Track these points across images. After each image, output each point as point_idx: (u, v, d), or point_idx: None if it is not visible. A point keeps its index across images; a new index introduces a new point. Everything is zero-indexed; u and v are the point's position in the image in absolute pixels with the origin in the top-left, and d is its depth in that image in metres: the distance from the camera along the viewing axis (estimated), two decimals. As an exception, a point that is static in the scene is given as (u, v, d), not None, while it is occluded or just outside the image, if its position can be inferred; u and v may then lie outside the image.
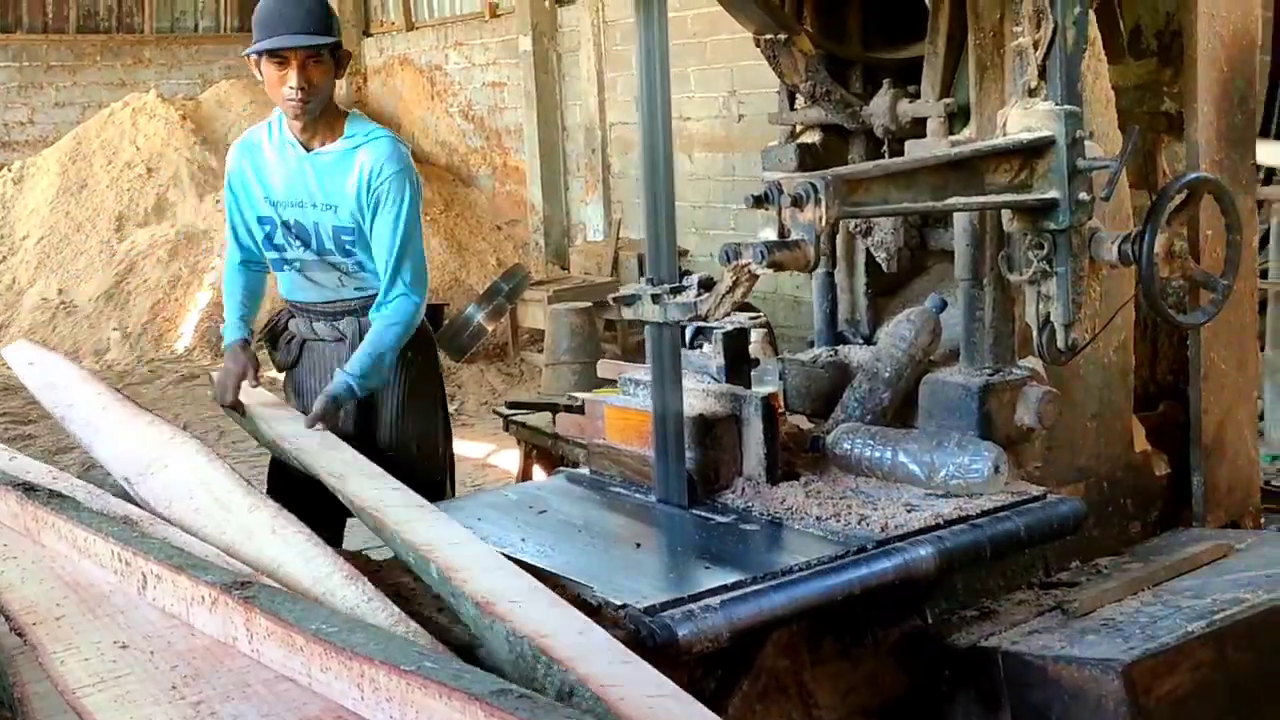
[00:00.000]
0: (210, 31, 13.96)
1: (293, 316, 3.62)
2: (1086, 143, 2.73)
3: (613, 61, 10.02)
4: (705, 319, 2.69)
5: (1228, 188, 3.01)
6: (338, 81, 3.39)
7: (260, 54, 3.25)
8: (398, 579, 2.42)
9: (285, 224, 3.44)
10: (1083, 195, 2.71)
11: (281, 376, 3.74)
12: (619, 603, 2.29)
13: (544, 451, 4.25)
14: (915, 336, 3.09)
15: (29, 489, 2.47)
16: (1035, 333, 2.84)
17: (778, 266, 2.45)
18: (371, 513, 2.55)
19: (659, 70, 2.75)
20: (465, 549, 2.30)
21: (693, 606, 2.27)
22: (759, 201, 2.51)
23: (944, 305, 3.13)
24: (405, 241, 3.32)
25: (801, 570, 2.43)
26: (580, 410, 3.37)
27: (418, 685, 1.51)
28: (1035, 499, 2.77)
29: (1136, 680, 2.41)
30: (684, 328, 4.14)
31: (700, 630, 2.24)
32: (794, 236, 2.46)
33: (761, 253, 2.42)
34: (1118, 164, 2.67)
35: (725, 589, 2.34)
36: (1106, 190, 2.67)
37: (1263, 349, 5.28)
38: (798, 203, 2.45)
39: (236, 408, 3.50)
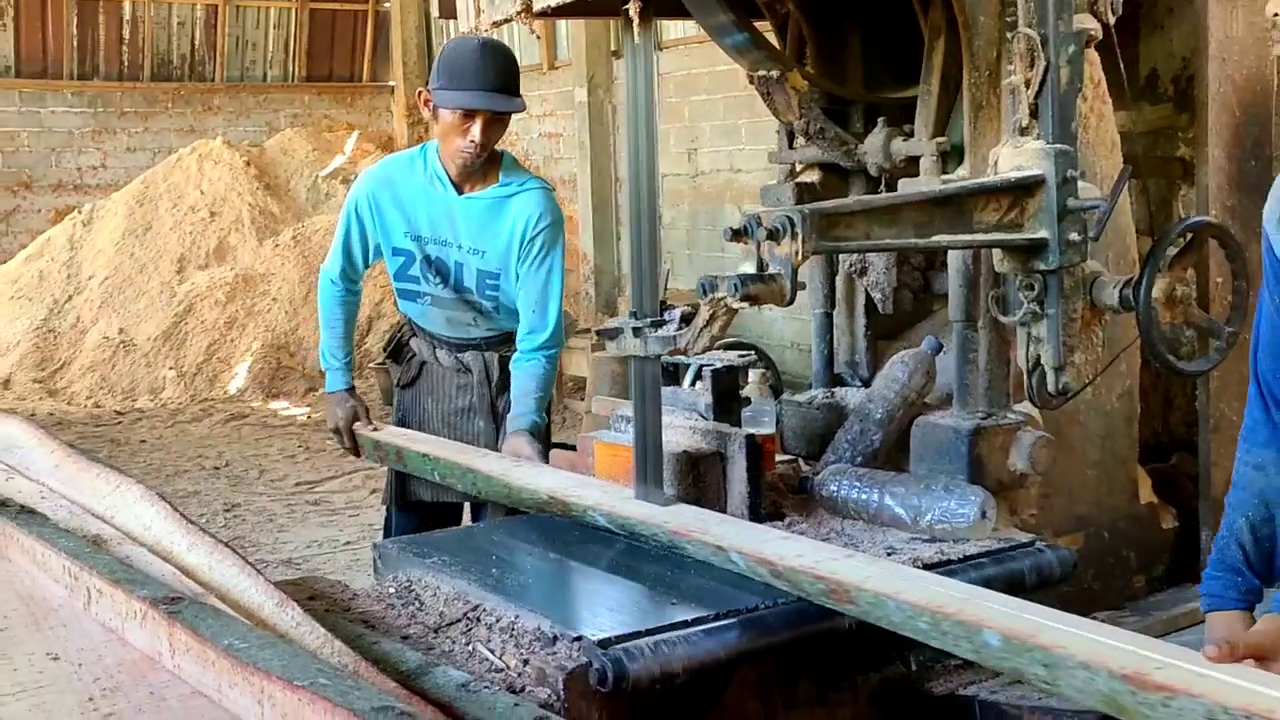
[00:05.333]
0: (278, 81, 14.25)
1: (414, 335, 3.66)
2: (1080, 183, 2.67)
3: (666, 113, 10.06)
4: (685, 352, 2.66)
5: (1233, 233, 2.93)
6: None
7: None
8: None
9: (426, 258, 3.46)
10: (1073, 236, 2.64)
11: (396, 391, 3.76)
12: (574, 634, 2.25)
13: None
14: (908, 378, 3.03)
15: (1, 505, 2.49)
16: (1025, 376, 2.77)
17: (753, 300, 2.42)
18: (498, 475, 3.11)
19: (645, 107, 2.75)
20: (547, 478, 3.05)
21: (650, 640, 2.22)
22: (737, 235, 2.49)
23: (940, 348, 3.07)
24: (556, 291, 3.41)
25: (768, 608, 2.37)
26: (574, 448, 3.33)
27: (307, 701, 1.49)
28: (1022, 546, 2.68)
29: (1111, 732, 2.33)
30: (687, 366, 4.13)
31: (654, 664, 2.19)
32: (771, 270, 2.43)
33: (735, 285, 2.40)
34: (1108, 204, 2.61)
35: (686, 624, 2.29)
36: (1095, 230, 2.61)
37: None
38: (774, 236, 2.41)
39: (355, 451, 3.60)
